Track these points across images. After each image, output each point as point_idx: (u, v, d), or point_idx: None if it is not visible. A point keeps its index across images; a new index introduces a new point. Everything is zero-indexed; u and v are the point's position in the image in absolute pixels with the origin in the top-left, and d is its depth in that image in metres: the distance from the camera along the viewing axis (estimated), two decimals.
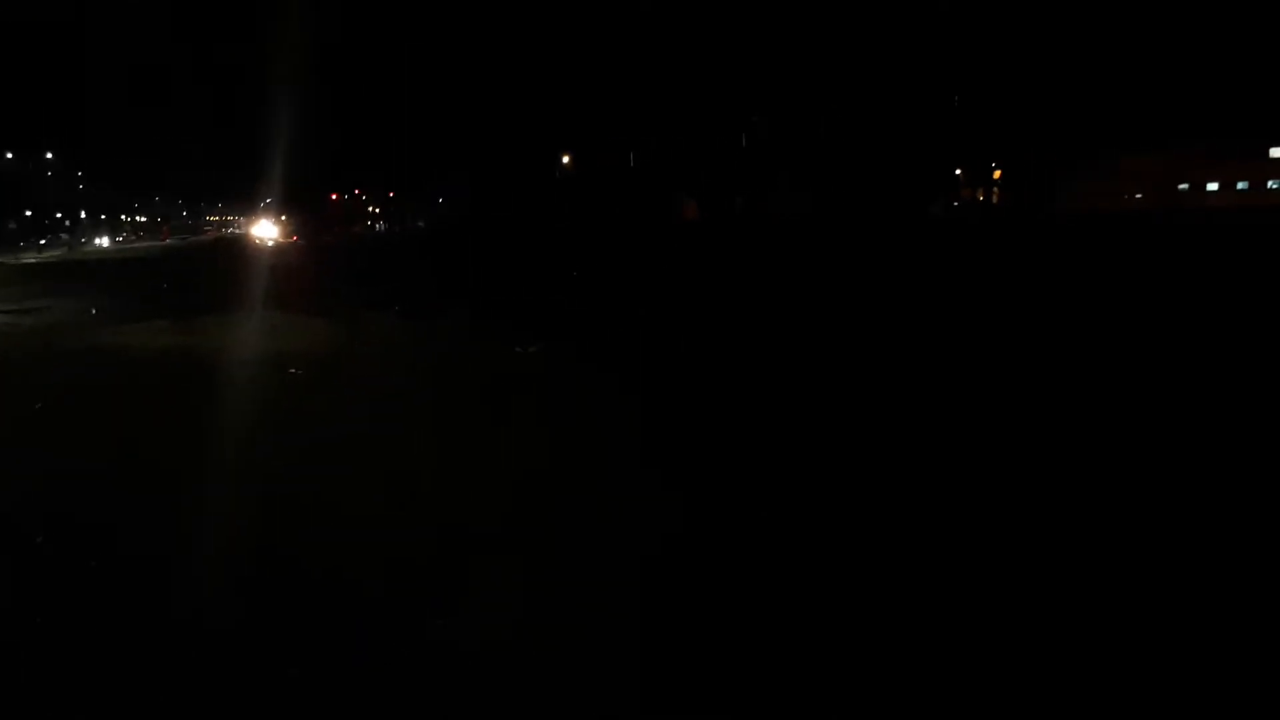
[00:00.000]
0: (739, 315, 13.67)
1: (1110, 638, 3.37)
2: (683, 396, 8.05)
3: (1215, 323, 10.70)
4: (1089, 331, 10.59)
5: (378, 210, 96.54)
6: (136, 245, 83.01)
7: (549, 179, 58.19)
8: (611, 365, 9.93)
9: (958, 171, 51.60)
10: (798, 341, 10.93)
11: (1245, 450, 5.64)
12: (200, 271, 30.83)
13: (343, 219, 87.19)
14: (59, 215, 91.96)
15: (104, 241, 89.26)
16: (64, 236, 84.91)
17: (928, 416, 6.87)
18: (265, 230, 74.44)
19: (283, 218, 79.99)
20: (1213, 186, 52.25)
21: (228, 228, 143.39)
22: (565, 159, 57.41)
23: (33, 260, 48.24)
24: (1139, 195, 52.63)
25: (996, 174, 51.73)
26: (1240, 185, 51.32)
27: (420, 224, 79.33)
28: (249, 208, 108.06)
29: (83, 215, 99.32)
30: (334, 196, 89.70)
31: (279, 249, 51.65)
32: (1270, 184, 50.95)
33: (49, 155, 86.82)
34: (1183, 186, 52.39)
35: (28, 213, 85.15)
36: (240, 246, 55.41)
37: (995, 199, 52.66)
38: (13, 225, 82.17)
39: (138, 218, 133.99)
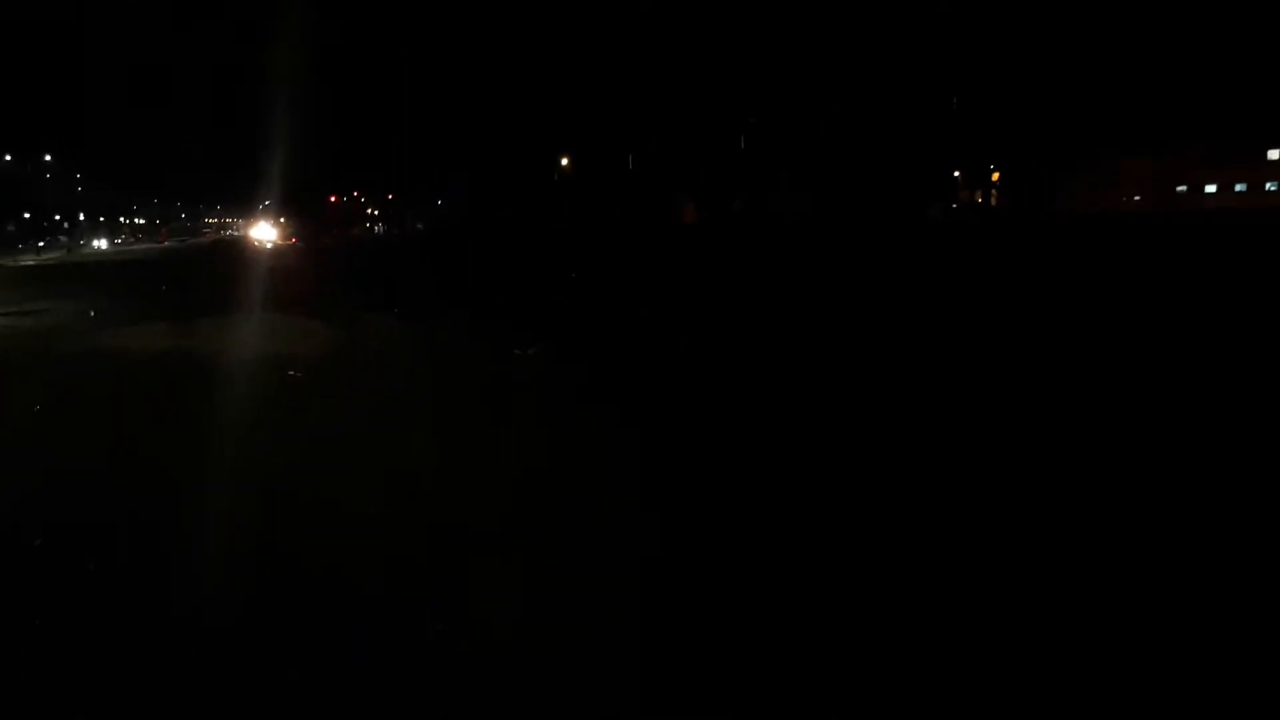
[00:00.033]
0: (738, 316, 13.67)
1: (1109, 637, 3.37)
2: (683, 397, 8.04)
3: (1215, 323, 10.71)
4: (1089, 333, 10.60)
5: (376, 212, 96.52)
6: (135, 247, 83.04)
7: (548, 180, 58.22)
8: (611, 366, 9.93)
9: (956, 174, 51.64)
10: (796, 343, 10.93)
11: (1245, 449, 5.65)
12: (199, 273, 30.83)
13: (341, 221, 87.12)
14: (58, 217, 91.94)
15: (102, 244, 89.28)
16: (63, 239, 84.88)
17: (927, 416, 6.87)
18: (264, 232, 74.52)
19: (281, 220, 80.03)
20: (1211, 189, 52.32)
21: (226, 230, 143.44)
22: (564, 160, 57.44)
23: (31, 262, 48.26)
24: (1138, 198, 52.70)
25: (995, 176, 51.79)
26: (1239, 188, 51.39)
27: (419, 226, 79.34)
28: (248, 210, 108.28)
29: (81, 217, 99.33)
30: (333, 198, 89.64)
31: (278, 251, 51.69)
32: (1269, 186, 50.99)
33: (48, 157, 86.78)
34: (1181, 189, 52.46)
35: (26, 215, 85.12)
36: (239, 248, 55.44)
37: (994, 201, 52.70)
38: (11, 228, 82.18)
39: (136, 220, 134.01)
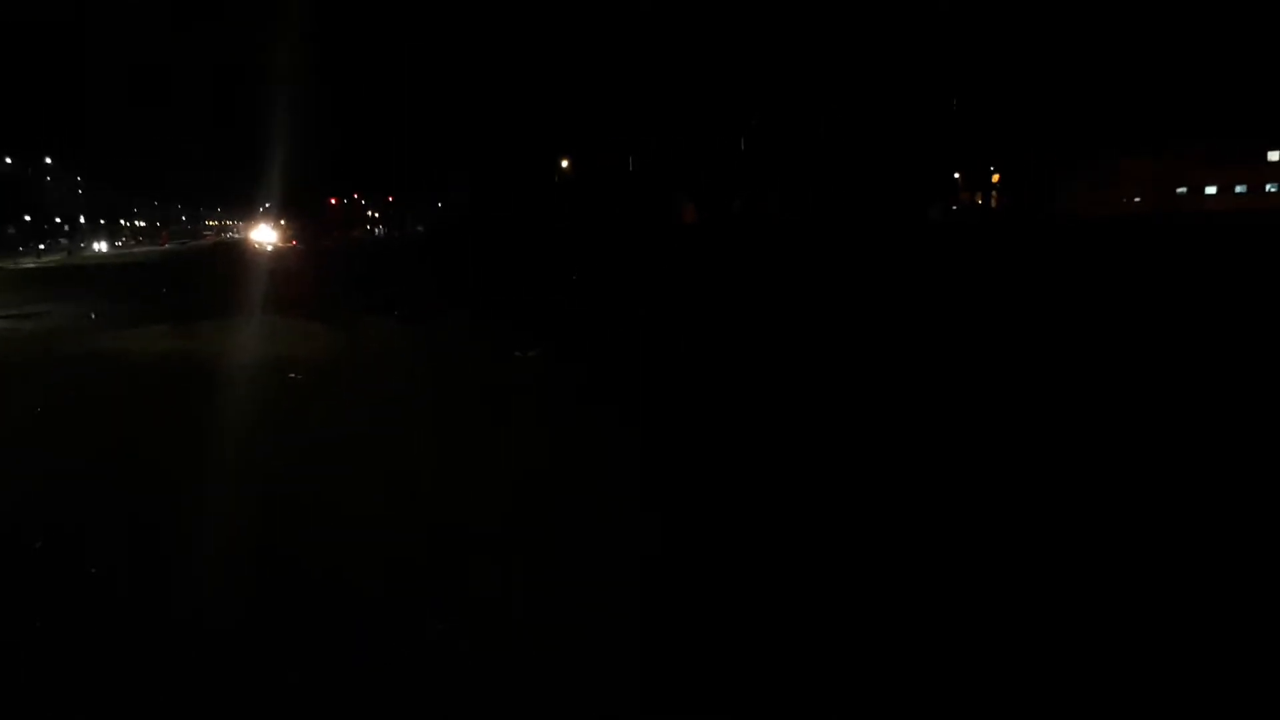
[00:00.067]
0: (738, 316, 13.67)
1: (1108, 638, 3.37)
2: (683, 397, 8.04)
3: (1215, 324, 10.71)
4: (1090, 333, 10.60)
5: (377, 214, 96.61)
6: (135, 250, 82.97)
7: (548, 181, 58.23)
8: (611, 366, 9.93)
9: (956, 175, 51.65)
10: (796, 343, 10.93)
11: (1244, 448, 5.65)
12: (200, 276, 30.84)
13: (341, 223, 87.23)
14: (58, 220, 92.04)
15: (103, 246, 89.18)
16: (63, 241, 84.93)
17: (927, 417, 6.87)
18: (264, 235, 74.48)
19: (281, 222, 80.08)
20: (1211, 190, 52.31)
21: (227, 232, 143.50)
22: (564, 161, 57.46)
23: (32, 265, 48.24)
24: (1138, 199, 52.70)
25: (995, 177, 51.80)
26: (1239, 189, 51.37)
27: (419, 228, 79.37)
28: (248, 212, 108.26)
29: (82, 220, 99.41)
30: (333, 201, 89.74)
31: (278, 253, 51.70)
32: (1269, 187, 50.97)
33: (48, 159, 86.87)
34: (1181, 190, 52.45)
35: (27, 218, 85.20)
36: (239, 251, 55.46)
37: (994, 202, 52.72)
38: (12, 230, 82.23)
39: (137, 222, 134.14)
